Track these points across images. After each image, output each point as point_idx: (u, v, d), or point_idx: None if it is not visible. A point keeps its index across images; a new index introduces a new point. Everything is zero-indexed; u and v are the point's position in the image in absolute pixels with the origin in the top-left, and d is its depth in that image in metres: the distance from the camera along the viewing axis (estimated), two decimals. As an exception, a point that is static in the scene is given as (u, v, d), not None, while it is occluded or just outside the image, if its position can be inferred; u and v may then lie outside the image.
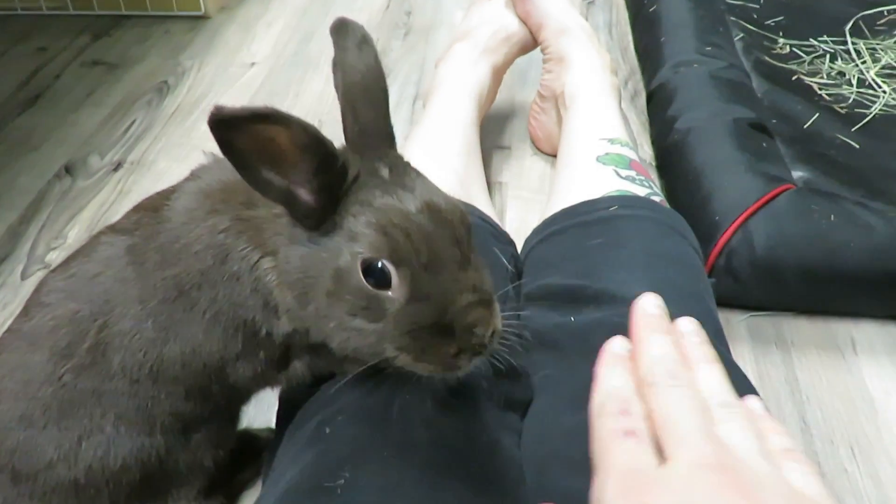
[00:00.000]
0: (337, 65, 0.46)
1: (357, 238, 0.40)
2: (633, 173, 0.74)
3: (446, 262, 0.40)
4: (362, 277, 0.40)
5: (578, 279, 0.61)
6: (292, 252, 0.43)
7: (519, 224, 0.92)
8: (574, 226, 0.68)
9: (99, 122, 1.13)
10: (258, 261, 0.45)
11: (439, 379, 0.43)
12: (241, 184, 0.45)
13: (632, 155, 0.78)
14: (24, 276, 0.87)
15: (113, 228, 0.50)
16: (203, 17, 1.42)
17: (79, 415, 0.48)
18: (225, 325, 0.46)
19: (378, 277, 0.40)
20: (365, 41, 0.46)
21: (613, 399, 0.35)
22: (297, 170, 0.39)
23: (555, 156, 1.03)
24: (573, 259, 0.65)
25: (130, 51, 1.32)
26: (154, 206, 0.49)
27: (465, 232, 0.42)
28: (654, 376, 0.35)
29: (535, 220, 0.90)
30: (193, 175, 0.49)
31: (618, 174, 0.74)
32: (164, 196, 0.49)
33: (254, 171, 0.39)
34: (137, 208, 0.51)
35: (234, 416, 0.56)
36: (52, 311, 0.48)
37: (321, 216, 0.41)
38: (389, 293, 0.40)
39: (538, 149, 1.06)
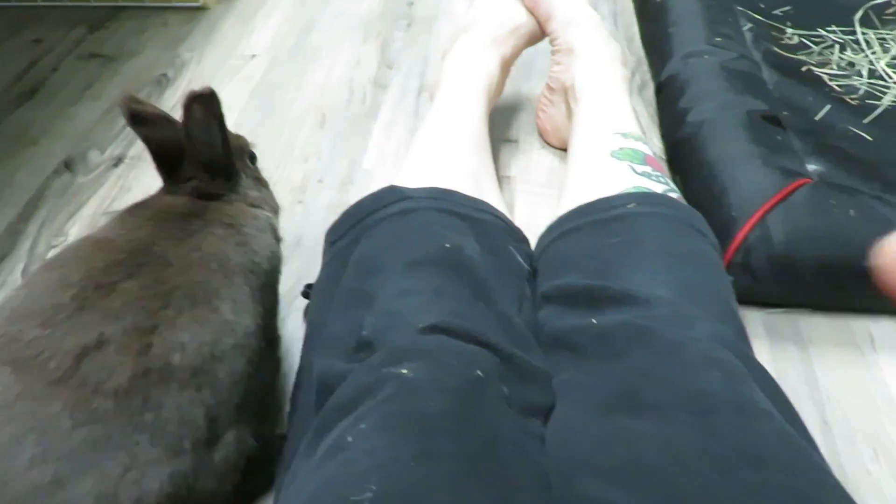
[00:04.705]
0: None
1: None
2: (648, 169, 0.73)
3: None
4: None
5: (597, 279, 0.60)
6: None
7: (529, 219, 0.91)
8: (590, 223, 0.67)
9: (98, 116, 1.11)
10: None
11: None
12: None
13: (646, 150, 0.77)
14: (24, 275, 0.85)
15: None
16: (201, 8, 1.40)
17: (117, 447, 0.46)
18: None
19: None
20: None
21: None
22: None
23: (563, 149, 1.02)
24: (591, 258, 0.63)
25: (128, 43, 1.29)
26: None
27: None
28: None
29: (544, 215, 0.89)
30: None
31: (633, 170, 0.72)
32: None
33: None
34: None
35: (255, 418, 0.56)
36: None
37: None
38: None
39: (546, 142, 1.04)
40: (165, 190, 0.66)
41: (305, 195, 0.95)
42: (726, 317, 0.57)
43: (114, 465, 0.46)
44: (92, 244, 0.57)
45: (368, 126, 1.08)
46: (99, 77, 1.20)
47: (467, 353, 0.50)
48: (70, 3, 1.40)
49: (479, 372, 0.49)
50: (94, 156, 1.03)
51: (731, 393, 0.45)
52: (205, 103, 0.58)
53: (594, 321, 0.56)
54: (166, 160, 0.64)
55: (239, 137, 0.73)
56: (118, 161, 1.02)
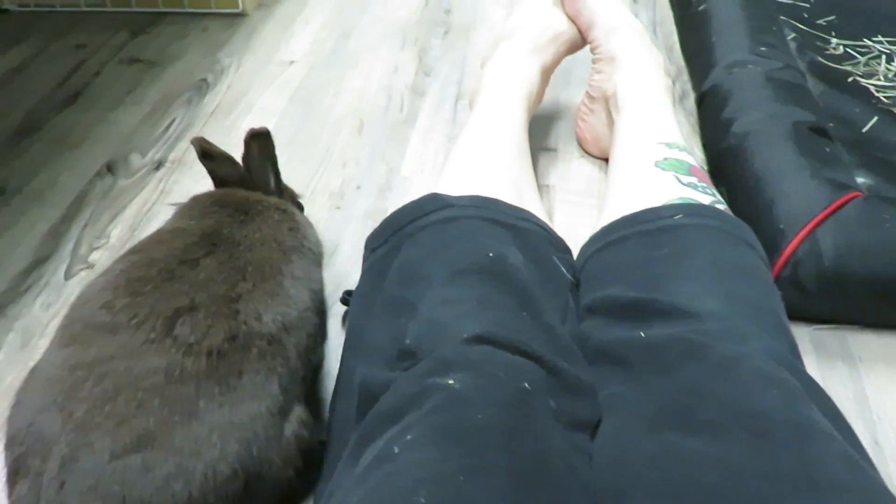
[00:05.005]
0: None
1: None
2: (694, 180, 0.72)
3: None
4: None
5: (644, 292, 0.58)
6: None
7: (568, 229, 0.89)
8: (636, 234, 0.66)
9: (139, 120, 1.12)
10: None
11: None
12: None
13: (691, 160, 0.75)
14: (67, 276, 0.86)
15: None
16: (241, 15, 1.41)
17: (206, 409, 0.47)
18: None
19: None
20: None
21: None
22: None
23: (603, 158, 1.01)
24: (637, 270, 0.62)
25: (169, 48, 1.31)
26: None
27: None
28: None
29: (583, 225, 0.88)
30: None
31: (679, 181, 0.71)
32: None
33: None
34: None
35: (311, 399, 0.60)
36: None
37: None
38: None
39: (586, 151, 1.03)
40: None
41: (343, 201, 0.95)
42: (779, 332, 0.56)
43: (200, 425, 0.47)
44: (168, 232, 0.64)
45: (406, 133, 1.08)
46: (140, 82, 1.21)
47: (514, 365, 0.50)
48: (112, 9, 1.42)
49: (526, 384, 0.48)
50: (135, 159, 1.04)
51: (790, 412, 0.44)
52: (260, 142, 0.71)
53: (642, 334, 0.54)
54: None
55: (288, 188, 0.81)
56: (159, 165, 1.03)
